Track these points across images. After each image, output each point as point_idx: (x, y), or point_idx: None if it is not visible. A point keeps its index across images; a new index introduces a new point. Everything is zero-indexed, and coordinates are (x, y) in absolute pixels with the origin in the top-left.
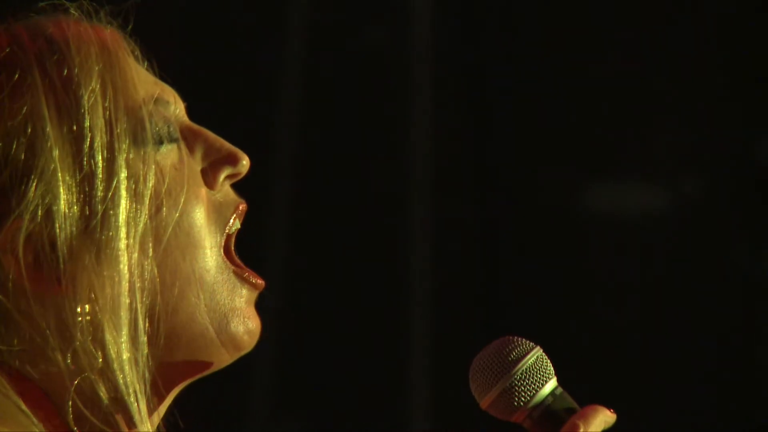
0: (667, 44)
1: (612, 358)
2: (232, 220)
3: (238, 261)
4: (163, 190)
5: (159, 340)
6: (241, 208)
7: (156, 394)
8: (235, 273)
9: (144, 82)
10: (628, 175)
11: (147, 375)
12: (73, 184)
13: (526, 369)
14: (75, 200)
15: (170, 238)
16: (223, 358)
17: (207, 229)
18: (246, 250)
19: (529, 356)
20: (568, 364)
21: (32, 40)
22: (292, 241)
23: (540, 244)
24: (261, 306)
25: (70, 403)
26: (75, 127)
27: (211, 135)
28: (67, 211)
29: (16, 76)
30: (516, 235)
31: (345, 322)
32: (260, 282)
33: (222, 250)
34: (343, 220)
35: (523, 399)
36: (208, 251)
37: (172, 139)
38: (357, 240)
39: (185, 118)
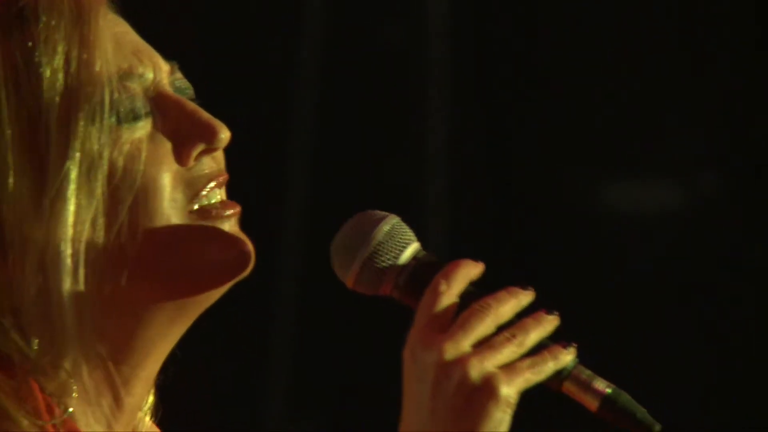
0: (681, 41)
1: (623, 356)
2: (206, 191)
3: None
4: (119, 172)
5: (123, 317)
6: (220, 179)
7: (134, 364)
8: (206, 223)
9: (117, 53)
10: (643, 172)
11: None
12: (28, 167)
13: (383, 235)
14: (25, 182)
15: (127, 221)
16: (214, 294)
17: (171, 209)
18: (259, 250)
19: (383, 223)
20: (582, 361)
21: (5, 8)
22: (306, 238)
23: (556, 242)
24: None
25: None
26: (32, 106)
27: (187, 107)
28: (16, 193)
29: None
30: (532, 232)
31: (360, 318)
32: (233, 211)
33: (190, 221)
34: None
35: (385, 265)
36: (173, 227)
37: (136, 117)
38: None
39: (164, 88)
